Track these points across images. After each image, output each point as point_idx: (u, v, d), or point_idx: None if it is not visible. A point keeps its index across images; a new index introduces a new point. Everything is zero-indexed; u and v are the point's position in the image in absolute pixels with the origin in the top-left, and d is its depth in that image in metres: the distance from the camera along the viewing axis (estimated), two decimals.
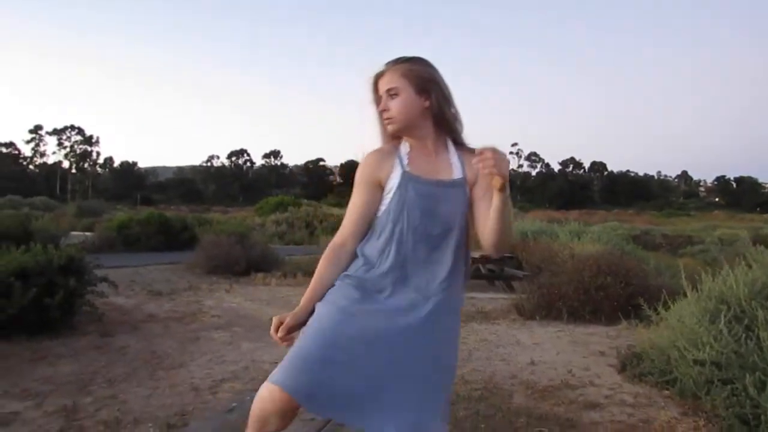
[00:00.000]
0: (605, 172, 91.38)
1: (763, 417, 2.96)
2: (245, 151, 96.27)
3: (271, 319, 1.89)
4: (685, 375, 3.72)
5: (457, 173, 1.70)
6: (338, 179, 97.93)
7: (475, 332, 6.09)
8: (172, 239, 13.87)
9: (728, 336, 3.57)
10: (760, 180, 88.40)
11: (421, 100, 1.69)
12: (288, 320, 1.76)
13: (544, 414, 3.58)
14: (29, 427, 3.27)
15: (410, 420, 1.52)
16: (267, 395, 1.64)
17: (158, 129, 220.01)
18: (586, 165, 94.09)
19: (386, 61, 1.77)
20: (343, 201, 49.70)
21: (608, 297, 6.71)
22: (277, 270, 10.49)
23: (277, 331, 1.75)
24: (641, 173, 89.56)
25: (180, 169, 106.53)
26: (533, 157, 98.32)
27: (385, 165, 1.73)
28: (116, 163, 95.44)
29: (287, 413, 1.64)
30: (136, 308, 6.87)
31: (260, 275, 9.79)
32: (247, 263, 10.01)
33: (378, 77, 1.76)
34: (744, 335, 3.58)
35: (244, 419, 1.91)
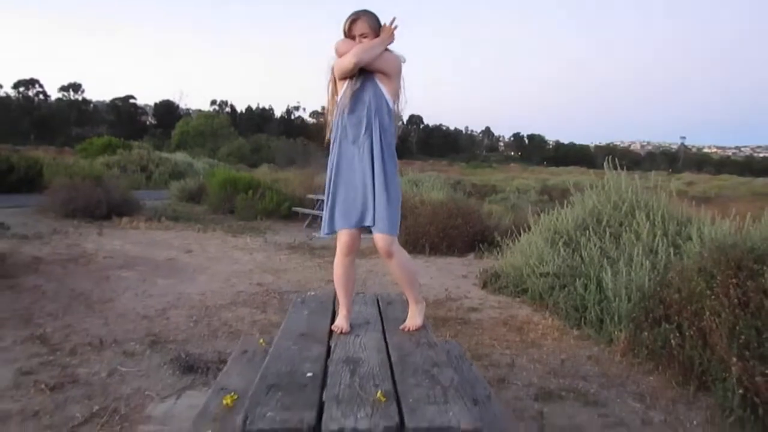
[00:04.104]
0: (421, 125, 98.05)
1: (588, 305, 4.47)
2: (37, 81, 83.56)
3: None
4: (534, 285, 5.20)
5: None
6: (152, 120, 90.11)
7: (360, 266, 7.13)
8: None
9: (564, 254, 5.08)
10: (546, 137, 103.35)
11: None
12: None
13: (444, 317, 4.77)
14: (13, 353, 3.53)
15: None
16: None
17: None
18: (405, 118, 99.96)
19: (354, 11, 2.35)
20: (162, 144, 46.50)
21: (460, 234, 8.22)
22: (137, 214, 10.36)
23: None
24: (452, 127, 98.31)
25: None
26: None
27: None
28: None
29: None
30: (13, 252, 6.62)
31: (125, 219, 9.64)
32: (108, 207, 9.74)
33: (353, 21, 2.32)
34: (572, 254, 5.12)
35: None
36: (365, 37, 2.29)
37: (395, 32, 2.33)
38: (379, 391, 1.52)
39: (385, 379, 1.65)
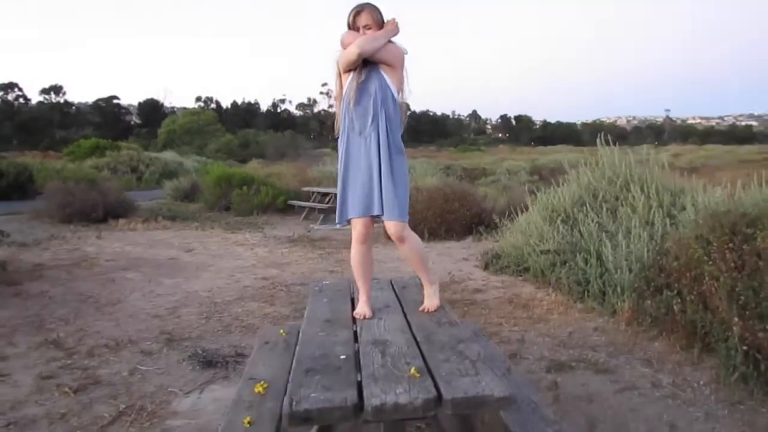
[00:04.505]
0: (408, 112, 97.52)
1: (590, 279, 4.58)
2: (16, 84, 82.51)
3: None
4: (536, 262, 5.30)
5: None
6: (137, 120, 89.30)
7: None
8: None
9: (563, 231, 5.18)
10: (533, 118, 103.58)
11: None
12: None
13: (450, 299, 4.86)
14: (30, 359, 3.58)
15: None
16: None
17: None
18: None
19: (358, 3, 2.42)
20: (149, 143, 46.20)
21: (457, 219, 8.32)
22: (133, 215, 10.37)
23: None
24: (439, 113, 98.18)
25: None
26: None
27: None
28: None
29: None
30: (14, 259, 6.62)
31: (122, 221, 9.65)
32: (104, 210, 9.74)
33: (357, 13, 2.39)
34: (571, 230, 5.23)
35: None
36: (369, 29, 2.34)
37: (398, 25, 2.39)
38: (413, 368, 1.60)
39: (415, 357, 1.73)
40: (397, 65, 2.38)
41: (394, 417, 1.43)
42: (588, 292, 4.51)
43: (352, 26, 2.37)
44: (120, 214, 10.10)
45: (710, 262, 3.41)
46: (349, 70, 2.38)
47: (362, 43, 2.29)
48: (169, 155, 25.37)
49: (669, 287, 3.66)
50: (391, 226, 2.36)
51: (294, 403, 1.42)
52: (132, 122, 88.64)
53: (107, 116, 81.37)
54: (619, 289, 4.20)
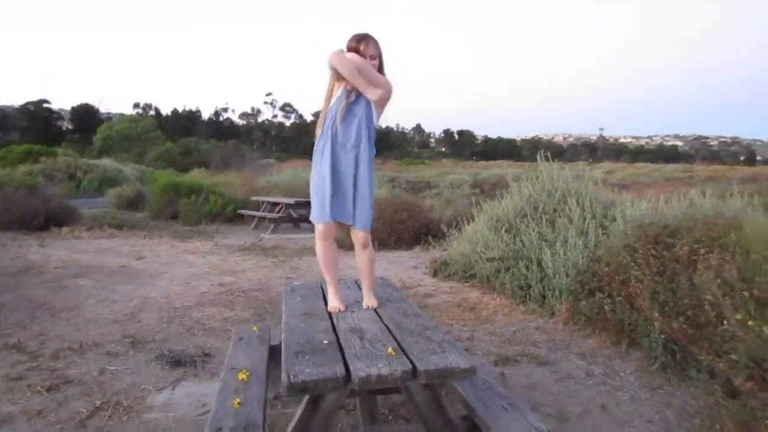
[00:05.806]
0: None
1: (531, 284, 4.98)
2: None
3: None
4: (482, 269, 5.68)
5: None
6: (69, 125, 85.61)
7: (315, 263, 7.41)
8: None
9: (506, 240, 5.59)
10: (476, 133, 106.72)
11: None
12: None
13: None
14: None
15: None
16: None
17: None
18: None
19: (363, 33, 2.68)
20: (83, 150, 44.34)
21: (406, 229, 8.65)
22: (76, 223, 10.14)
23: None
24: (384, 125, 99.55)
25: None
26: (287, 108, 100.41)
27: None
28: None
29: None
30: None
31: (66, 229, 9.43)
32: (45, 217, 9.49)
33: (367, 42, 2.64)
34: (514, 239, 5.64)
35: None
36: (374, 59, 2.59)
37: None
38: (389, 348, 1.87)
39: (389, 340, 2.00)
40: (384, 104, 2.67)
41: (377, 387, 1.70)
42: (530, 295, 4.91)
43: (364, 54, 2.55)
44: (63, 221, 9.87)
45: (636, 268, 3.85)
46: (340, 80, 2.60)
47: (364, 68, 2.51)
48: (107, 162, 24.62)
49: (601, 290, 4.09)
50: (361, 234, 2.65)
51: (292, 377, 1.66)
52: (64, 127, 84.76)
53: (36, 120, 77.47)
54: (557, 292, 4.62)
